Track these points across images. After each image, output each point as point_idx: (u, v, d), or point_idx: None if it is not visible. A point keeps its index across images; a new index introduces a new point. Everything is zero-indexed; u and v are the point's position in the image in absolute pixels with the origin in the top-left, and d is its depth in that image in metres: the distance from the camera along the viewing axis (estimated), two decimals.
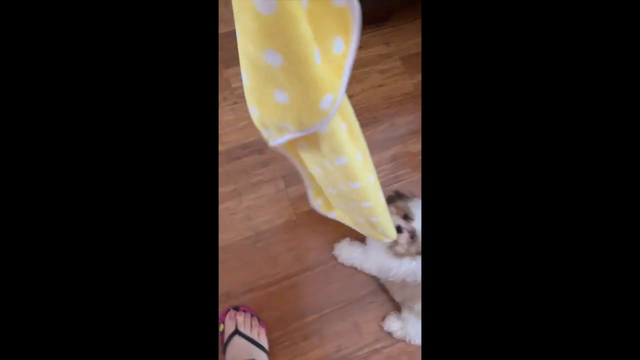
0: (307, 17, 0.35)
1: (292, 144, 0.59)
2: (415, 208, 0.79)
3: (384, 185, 1.03)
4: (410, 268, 0.80)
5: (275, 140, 0.51)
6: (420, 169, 1.03)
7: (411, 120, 1.08)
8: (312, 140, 0.53)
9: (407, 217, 0.78)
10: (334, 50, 0.41)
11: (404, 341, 0.87)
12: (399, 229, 0.77)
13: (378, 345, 0.86)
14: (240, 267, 0.89)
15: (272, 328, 0.85)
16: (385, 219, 0.70)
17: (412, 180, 1.02)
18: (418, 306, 0.81)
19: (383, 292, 0.90)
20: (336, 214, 0.86)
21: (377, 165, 1.02)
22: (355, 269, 0.90)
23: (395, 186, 1.01)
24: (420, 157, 1.05)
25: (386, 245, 0.82)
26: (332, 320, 0.87)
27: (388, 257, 0.82)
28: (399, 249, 0.77)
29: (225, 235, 0.91)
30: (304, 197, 0.96)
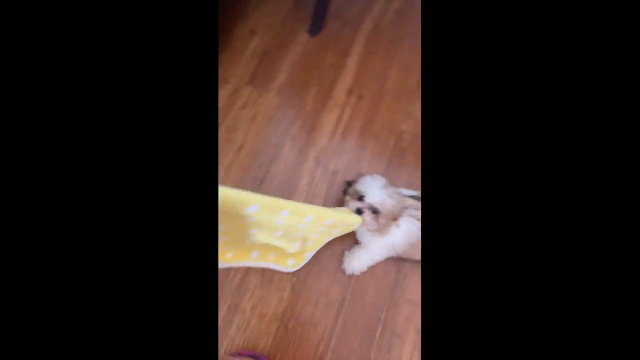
0: None
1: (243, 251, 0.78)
2: (363, 186, 0.83)
3: (339, 185, 1.05)
4: (404, 230, 0.85)
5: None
6: (344, 146, 1.08)
7: (303, 121, 1.10)
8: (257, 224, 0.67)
9: (361, 198, 0.82)
10: None
11: None
12: (360, 212, 0.81)
13: None
14: (294, 354, 0.87)
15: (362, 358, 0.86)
16: (336, 216, 0.79)
17: (347, 161, 1.06)
18: None
19: (404, 261, 0.95)
20: (310, 251, 0.88)
21: (311, 178, 1.04)
22: (372, 267, 0.93)
23: (340, 178, 1.04)
24: (335, 140, 1.09)
25: (366, 231, 0.86)
26: (394, 316, 0.91)
27: (381, 238, 0.86)
28: (371, 227, 0.83)
29: (259, 344, 0.87)
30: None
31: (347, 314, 0.90)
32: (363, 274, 0.93)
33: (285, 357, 0.86)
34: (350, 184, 0.90)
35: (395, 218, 0.83)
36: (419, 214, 0.85)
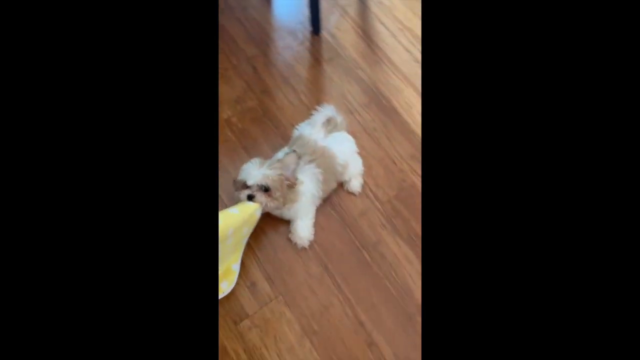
0: None
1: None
2: (241, 174, 0.86)
3: (221, 203, 0.99)
4: (309, 179, 0.91)
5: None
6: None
7: None
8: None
9: (245, 185, 0.85)
10: None
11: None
12: (251, 197, 0.85)
13: (385, 200, 1.04)
14: (341, 339, 0.86)
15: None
16: (241, 208, 0.84)
17: (228, 162, 1.00)
18: (347, 175, 0.98)
19: (329, 198, 1.01)
20: (234, 262, 0.90)
21: None
22: (314, 222, 0.96)
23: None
24: None
25: (276, 208, 0.90)
26: (361, 233, 0.97)
27: (299, 202, 0.91)
28: (271, 204, 0.86)
29: None
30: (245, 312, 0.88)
31: (338, 272, 0.93)
32: (315, 234, 0.95)
33: (337, 348, 0.84)
34: (235, 181, 0.88)
35: (292, 184, 0.86)
36: (307, 158, 0.90)
